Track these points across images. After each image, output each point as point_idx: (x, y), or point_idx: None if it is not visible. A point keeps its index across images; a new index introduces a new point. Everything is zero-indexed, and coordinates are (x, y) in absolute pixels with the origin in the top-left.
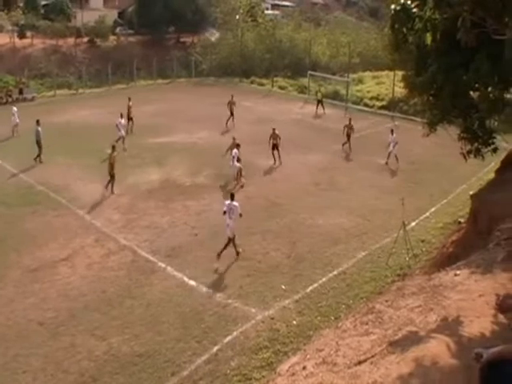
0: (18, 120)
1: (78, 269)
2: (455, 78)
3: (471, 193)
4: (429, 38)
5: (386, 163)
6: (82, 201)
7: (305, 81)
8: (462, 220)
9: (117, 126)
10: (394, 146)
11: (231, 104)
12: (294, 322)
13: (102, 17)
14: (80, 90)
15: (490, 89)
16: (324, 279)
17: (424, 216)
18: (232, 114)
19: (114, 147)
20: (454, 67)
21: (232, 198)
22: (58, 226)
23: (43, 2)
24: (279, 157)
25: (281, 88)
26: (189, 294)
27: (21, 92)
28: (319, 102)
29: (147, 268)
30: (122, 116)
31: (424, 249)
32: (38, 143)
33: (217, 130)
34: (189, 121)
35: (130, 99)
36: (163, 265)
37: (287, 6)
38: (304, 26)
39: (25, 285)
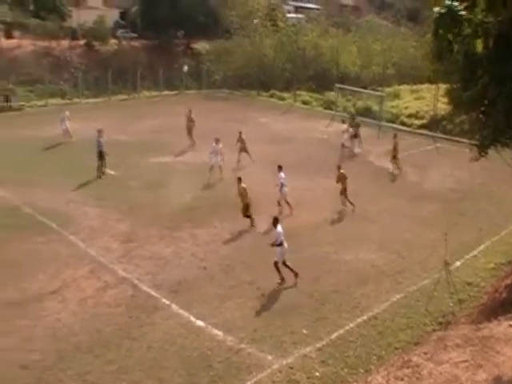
0: (68, 125)
1: (69, 304)
2: (511, 91)
3: None
4: (479, 45)
5: None
6: (74, 226)
7: (332, 95)
8: None
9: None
10: None
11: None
12: (317, 374)
13: (101, 17)
14: (75, 100)
15: None
16: (352, 324)
17: (471, 254)
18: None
19: (239, 179)
20: (509, 79)
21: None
22: (46, 253)
23: None
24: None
25: (304, 103)
26: (196, 336)
27: (7, 100)
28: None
29: (149, 305)
30: (216, 141)
31: (471, 293)
32: (100, 154)
33: (228, 149)
34: (197, 138)
35: (190, 111)
36: (167, 302)
37: (312, 9)
38: (331, 32)
39: (7, 321)
